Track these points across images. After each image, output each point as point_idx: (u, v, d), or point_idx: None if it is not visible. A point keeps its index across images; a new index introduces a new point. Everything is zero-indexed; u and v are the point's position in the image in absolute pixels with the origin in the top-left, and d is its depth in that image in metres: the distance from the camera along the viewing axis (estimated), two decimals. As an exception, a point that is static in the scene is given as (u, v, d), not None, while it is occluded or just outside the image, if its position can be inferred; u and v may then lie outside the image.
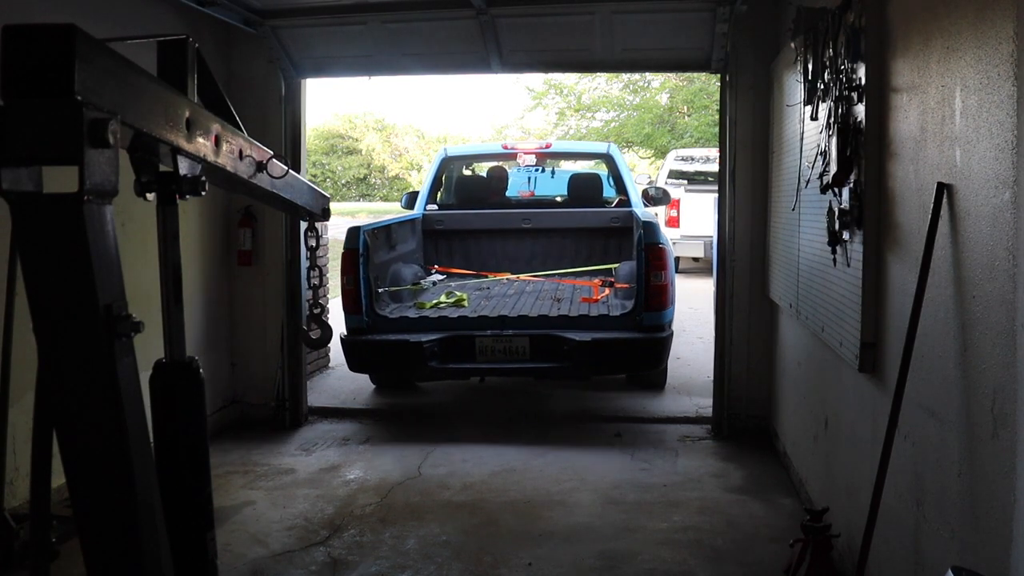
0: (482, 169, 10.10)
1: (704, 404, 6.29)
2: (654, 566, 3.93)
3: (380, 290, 6.13)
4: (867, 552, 2.83)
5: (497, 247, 8.17)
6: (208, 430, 2.21)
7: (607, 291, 6.66)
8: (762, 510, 4.56)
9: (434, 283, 7.24)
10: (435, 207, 8.39)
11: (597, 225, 8.05)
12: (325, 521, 4.48)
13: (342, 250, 5.93)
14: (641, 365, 6.15)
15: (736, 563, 3.94)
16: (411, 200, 8.75)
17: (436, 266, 7.96)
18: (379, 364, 6.17)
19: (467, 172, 9.57)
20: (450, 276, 7.78)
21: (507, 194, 9.41)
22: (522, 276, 7.54)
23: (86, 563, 1.62)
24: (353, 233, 5.94)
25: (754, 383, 5.86)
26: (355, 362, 5.96)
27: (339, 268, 6.01)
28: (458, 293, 6.72)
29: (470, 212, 8.30)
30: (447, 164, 8.86)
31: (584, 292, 6.81)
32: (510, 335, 5.72)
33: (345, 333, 5.89)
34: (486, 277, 7.60)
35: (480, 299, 6.68)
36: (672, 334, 5.95)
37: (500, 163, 9.92)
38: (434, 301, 6.55)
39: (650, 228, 5.82)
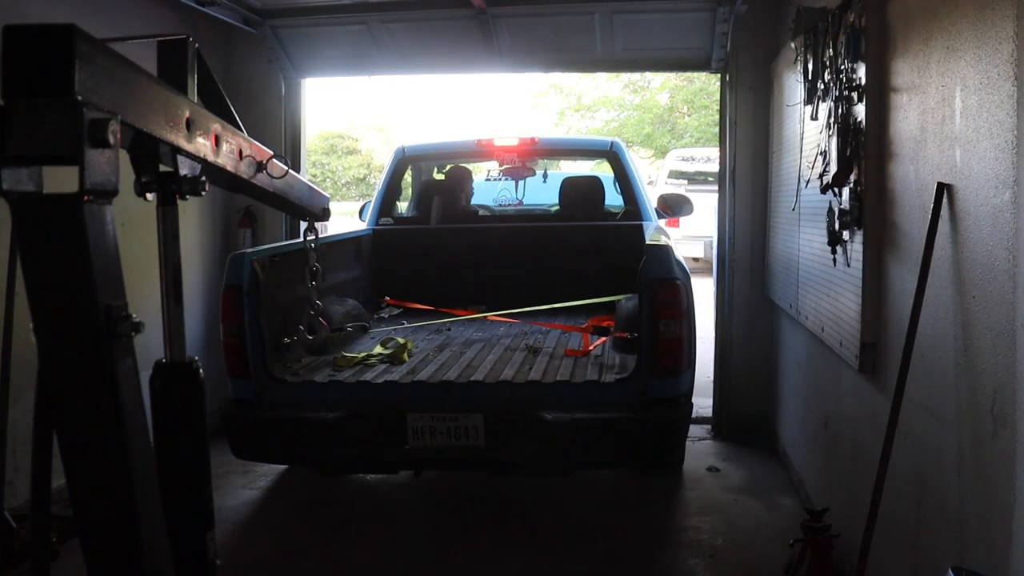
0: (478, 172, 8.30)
1: (704, 404, 6.27)
2: (654, 566, 3.93)
3: (287, 340, 4.34)
4: (867, 552, 2.83)
5: (469, 274, 6.30)
6: (208, 430, 2.20)
7: (600, 340, 4.79)
8: (762, 510, 4.56)
9: (366, 328, 5.20)
10: (390, 221, 6.62)
11: (596, 244, 6.18)
12: (325, 521, 4.48)
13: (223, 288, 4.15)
14: (643, 456, 4.22)
15: (736, 563, 3.94)
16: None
17: (388, 298, 6.15)
18: (268, 451, 4.31)
19: (439, 176, 7.73)
20: (407, 312, 5.94)
21: (489, 203, 7.73)
22: (492, 316, 5.70)
23: (86, 563, 1.62)
24: (235, 263, 4.11)
25: (754, 383, 5.87)
26: (236, 446, 4.17)
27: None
28: (401, 339, 4.80)
29: (433, 228, 6.47)
30: (406, 166, 7.06)
31: (572, 340, 4.94)
32: (456, 412, 3.92)
33: (231, 402, 4.21)
34: (452, 315, 5.77)
35: (429, 349, 4.78)
36: (691, 410, 4.23)
37: (472, 163, 7.96)
38: (363, 353, 4.60)
39: (658, 255, 3.97)
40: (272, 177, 2.65)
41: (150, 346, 1.98)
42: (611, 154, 6.78)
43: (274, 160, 2.63)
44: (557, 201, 7.03)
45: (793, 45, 4.28)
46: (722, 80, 5.86)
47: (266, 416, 4.09)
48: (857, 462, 3.46)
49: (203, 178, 2.14)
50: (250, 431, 4.16)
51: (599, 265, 6.02)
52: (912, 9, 2.88)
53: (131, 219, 3.15)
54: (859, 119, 3.28)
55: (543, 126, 28.57)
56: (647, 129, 25.42)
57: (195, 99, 2.20)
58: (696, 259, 14.10)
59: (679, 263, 4.06)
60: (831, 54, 3.60)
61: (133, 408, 1.61)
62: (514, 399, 4.03)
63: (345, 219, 10.36)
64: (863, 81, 3.23)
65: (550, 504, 4.68)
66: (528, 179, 7.29)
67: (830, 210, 3.61)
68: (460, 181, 7.09)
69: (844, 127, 3.43)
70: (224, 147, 2.23)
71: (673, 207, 6.83)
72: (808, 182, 4.07)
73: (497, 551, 4.09)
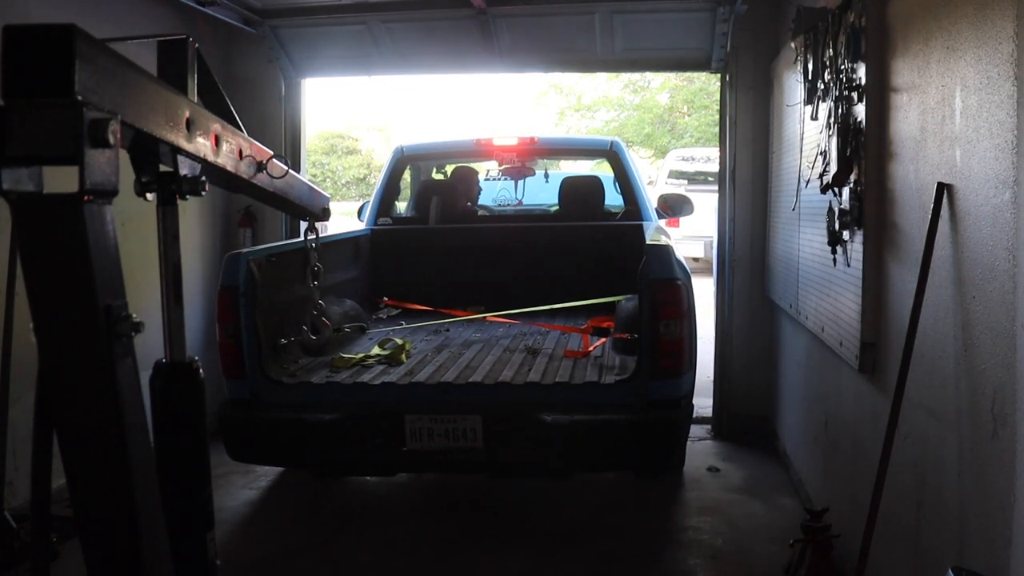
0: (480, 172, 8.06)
1: (704, 404, 6.27)
2: (653, 566, 3.93)
3: (283, 341, 4.33)
4: (867, 552, 2.83)
5: (467, 274, 6.22)
6: (208, 430, 2.20)
7: (600, 341, 4.73)
8: (762, 510, 4.56)
9: (364, 328, 5.17)
10: (388, 221, 6.56)
11: (596, 245, 6.12)
12: (326, 521, 4.48)
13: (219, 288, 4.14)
14: (643, 458, 4.12)
15: (736, 563, 3.94)
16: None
17: (386, 299, 6.08)
18: (263, 452, 4.28)
19: (438, 176, 7.67)
20: (405, 313, 5.90)
21: (489, 204, 7.69)
22: (490, 316, 5.63)
23: (86, 563, 1.62)
24: (231, 264, 4.09)
25: (754, 383, 5.87)
26: (232, 447, 4.14)
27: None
28: (399, 340, 4.77)
29: (431, 228, 6.42)
30: (404, 166, 7.03)
31: (571, 341, 4.91)
32: (454, 413, 3.88)
33: (226, 404, 4.16)
34: (450, 316, 5.72)
35: (428, 350, 4.76)
36: (692, 412, 4.19)
37: (471, 163, 7.91)
38: (361, 354, 4.60)
39: (658, 255, 3.93)
40: (272, 177, 2.66)
41: (150, 346, 1.98)
42: (611, 154, 6.70)
43: (274, 160, 2.63)
44: (557, 201, 6.96)
45: (793, 45, 4.28)
46: (722, 80, 5.86)
47: (262, 417, 4.05)
48: (857, 462, 3.46)
49: (203, 178, 2.14)
50: (246, 433, 4.12)
51: (599, 265, 5.95)
52: (912, 9, 2.88)
53: (131, 219, 3.15)
54: (859, 119, 3.28)
55: (543, 126, 28.56)
56: (647, 129, 25.43)
57: (195, 99, 2.20)
58: (696, 259, 14.10)
59: (679, 263, 4.01)
60: (831, 54, 3.60)
61: (133, 408, 1.61)
62: (513, 400, 3.99)
63: (345, 219, 10.34)
64: (863, 81, 3.23)
65: (550, 504, 4.68)
66: (529, 179, 7.22)
67: (830, 210, 3.61)
68: (462, 181, 7.02)
69: (844, 127, 3.43)
70: (224, 147, 2.23)
71: (673, 207, 6.75)
72: (808, 182, 4.07)
73: (497, 551, 4.09)
